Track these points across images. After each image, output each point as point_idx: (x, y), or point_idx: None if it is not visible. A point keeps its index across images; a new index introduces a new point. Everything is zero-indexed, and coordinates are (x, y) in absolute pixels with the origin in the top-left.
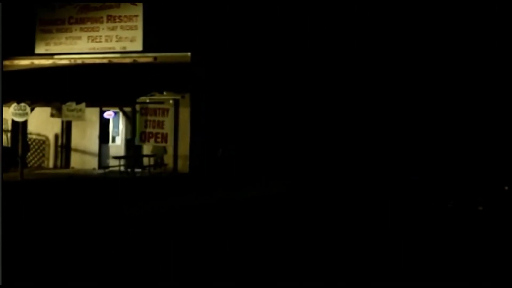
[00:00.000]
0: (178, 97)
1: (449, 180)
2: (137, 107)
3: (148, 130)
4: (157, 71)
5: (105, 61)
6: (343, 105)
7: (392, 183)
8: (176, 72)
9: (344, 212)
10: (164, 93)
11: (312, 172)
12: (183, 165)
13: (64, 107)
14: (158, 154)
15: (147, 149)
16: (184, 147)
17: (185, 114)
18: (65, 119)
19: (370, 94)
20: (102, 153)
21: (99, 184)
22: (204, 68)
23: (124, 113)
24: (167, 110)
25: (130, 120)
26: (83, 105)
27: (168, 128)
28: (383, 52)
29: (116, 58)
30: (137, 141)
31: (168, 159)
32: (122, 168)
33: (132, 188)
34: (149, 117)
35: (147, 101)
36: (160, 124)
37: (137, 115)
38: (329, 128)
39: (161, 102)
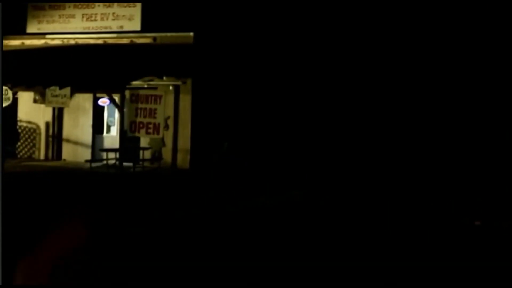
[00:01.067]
0: (178, 82)
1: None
2: (128, 93)
3: (138, 119)
4: (156, 53)
5: (100, 41)
6: (359, 103)
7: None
8: (177, 54)
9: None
10: (164, 78)
11: (329, 176)
12: (182, 160)
13: (48, 92)
14: (155, 147)
15: (145, 141)
16: (185, 140)
17: (186, 102)
18: (48, 105)
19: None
20: (96, 144)
21: (77, 181)
22: (208, 50)
23: (112, 100)
24: (160, 97)
25: (119, 108)
26: (67, 90)
27: (161, 117)
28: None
29: (112, 39)
30: (127, 132)
31: (167, 153)
32: (116, 162)
33: (108, 188)
34: (140, 105)
35: (145, 86)
36: (152, 113)
37: (127, 103)
38: (347, 127)
39: (155, 88)
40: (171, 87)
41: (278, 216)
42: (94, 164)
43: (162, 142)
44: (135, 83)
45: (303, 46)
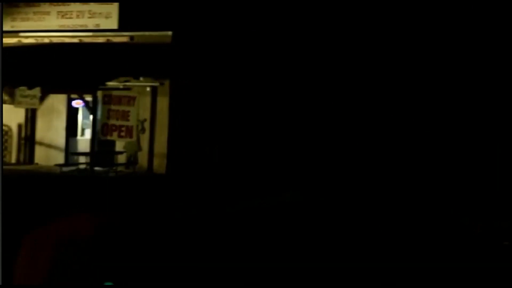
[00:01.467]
0: (156, 83)
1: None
2: (101, 94)
3: (111, 121)
4: (133, 52)
5: (75, 40)
6: (351, 98)
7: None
8: (155, 54)
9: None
10: (140, 78)
11: (323, 177)
12: (159, 165)
13: (18, 92)
14: (130, 151)
15: (120, 144)
16: (162, 144)
17: (164, 104)
18: (17, 106)
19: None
20: (70, 148)
21: (43, 185)
22: (187, 50)
23: (86, 102)
24: (134, 98)
25: (90, 110)
26: (37, 90)
27: (134, 120)
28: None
29: (87, 37)
30: (99, 135)
31: (143, 157)
32: (87, 167)
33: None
34: (112, 106)
35: (121, 87)
36: (125, 115)
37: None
38: (337, 124)
39: (128, 89)
40: (148, 89)
41: (277, 217)
42: (66, 169)
43: (138, 146)
44: (111, 83)
45: (286, 44)
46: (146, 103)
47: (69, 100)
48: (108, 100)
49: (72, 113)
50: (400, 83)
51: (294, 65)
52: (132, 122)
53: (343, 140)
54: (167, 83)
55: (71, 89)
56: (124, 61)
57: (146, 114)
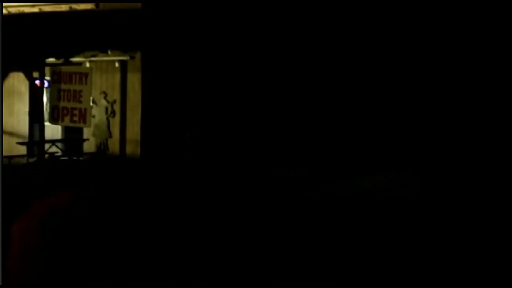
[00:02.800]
0: (126, 57)
1: None
2: (49, 71)
3: (62, 104)
4: (100, 22)
5: (35, 10)
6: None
7: None
8: (124, 23)
9: None
10: (109, 52)
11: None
12: (132, 153)
13: None
14: (100, 138)
15: (88, 131)
16: (134, 129)
17: (135, 82)
18: None
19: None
20: (34, 135)
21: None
22: (160, 17)
23: (31, 80)
24: (86, 75)
25: (37, 90)
26: None
27: (87, 101)
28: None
29: (48, 5)
30: (49, 120)
31: (113, 144)
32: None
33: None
34: (63, 86)
35: (87, 64)
36: (77, 96)
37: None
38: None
39: (79, 64)
40: (116, 64)
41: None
42: (18, 160)
43: (108, 131)
44: (76, 59)
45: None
46: (115, 82)
47: (31, 80)
48: (57, 78)
49: (36, 95)
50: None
51: (277, 39)
52: (85, 103)
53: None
54: (138, 56)
55: (13, 65)
56: (89, 32)
57: (115, 94)
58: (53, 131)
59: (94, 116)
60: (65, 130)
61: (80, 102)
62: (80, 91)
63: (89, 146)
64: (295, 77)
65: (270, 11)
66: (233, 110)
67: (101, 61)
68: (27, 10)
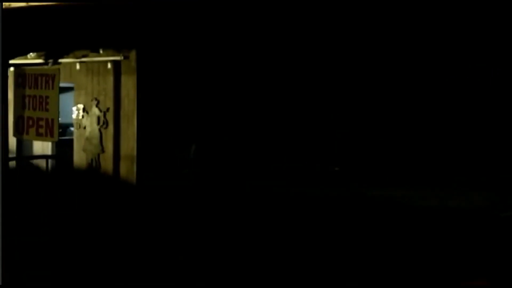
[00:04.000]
0: (119, 57)
1: None
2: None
3: (27, 113)
4: (91, 16)
5: (22, 4)
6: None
7: None
8: (118, 17)
9: None
10: (101, 51)
11: None
12: (128, 171)
13: None
14: (91, 154)
15: (79, 145)
16: (130, 142)
17: (130, 86)
18: None
19: None
20: (23, 150)
21: None
22: (158, 10)
23: None
24: (53, 77)
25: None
26: None
27: (55, 109)
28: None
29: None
30: (13, 133)
31: (106, 160)
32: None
33: None
34: (27, 91)
35: (77, 66)
36: (43, 103)
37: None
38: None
39: (45, 64)
40: (109, 65)
41: None
42: None
43: (100, 146)
44: (66, 61)
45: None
46: (107, 86)
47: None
48: (22, 81)
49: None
50: None
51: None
52: (52, 113)
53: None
54: (133, 56)
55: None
56: (80, 28)
57: (108, 101)
58: (43, 145)
59: (85, 128)
60: (57, 144)
61: (47, 110)
62: (47, 97)
63: (81, 162)
64: (309, 81)
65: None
66: (243, 118)
67: (92, 62)
68: (14, 5)
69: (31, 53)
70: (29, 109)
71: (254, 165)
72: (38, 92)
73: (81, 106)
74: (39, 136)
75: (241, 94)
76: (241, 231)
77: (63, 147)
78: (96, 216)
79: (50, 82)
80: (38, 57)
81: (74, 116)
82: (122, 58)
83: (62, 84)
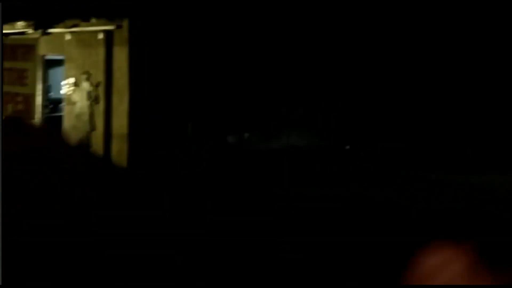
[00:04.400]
0: (111, 27)
1: None
2: None
3: (5, 88)
4: None
5: None
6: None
7: None
8: None
9: None
10: (93, 20)
11: None
12: (119, 151)
13: None
14: (82, 131)
15: (68, 122)
16: (122, 120)
17: (123, 59)
18: None
19: None
20: None
21: None
22: None
23: None
24: (32, 48)
25: None
26: None
27: (33, 84)
28: None
29: None
30: None
31: (97, 139)
32: None
33: None
34: (5, 63)
35: (68, 36)
36: (21, 77)
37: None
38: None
39: (22, 33)
40: (100, 35)
41: None
42: None
43: (91, 123)
44: (56, 30)
45: None
46: (99, 58)
47: None
48: None
49: None
50: None
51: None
52: (30, 87)
53: None
54: (125, 24)
55: None
56: None
57: (99, 74)
58: None
59: (75, 103)
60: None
61: (25, 85)
62: (25, 70)
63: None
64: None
65: None
66: (243, 95)
67: (84, 32)
68: None
69: (20, 22)
70: (6, 83)
71: (251, 143)
72: (16, 64)
73: (72, 80)
74: (16, 113)
75: (245, 71)
76: (239, 225)
77: (55, 125)
78: (77, 204)
79: (28, 53)
80: (27, 27)
81: (63, 91)
82: (115, 27)
83: (54, 57)
